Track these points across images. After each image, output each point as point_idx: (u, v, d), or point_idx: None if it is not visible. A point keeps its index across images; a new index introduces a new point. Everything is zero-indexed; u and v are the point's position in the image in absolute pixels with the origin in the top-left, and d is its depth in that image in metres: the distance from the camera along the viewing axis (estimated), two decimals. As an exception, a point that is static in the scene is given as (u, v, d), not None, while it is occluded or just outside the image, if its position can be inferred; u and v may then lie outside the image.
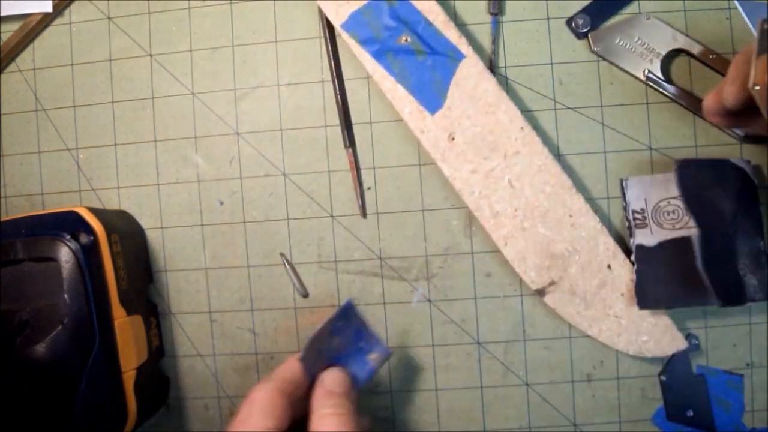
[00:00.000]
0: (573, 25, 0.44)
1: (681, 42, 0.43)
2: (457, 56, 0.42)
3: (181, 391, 0.47)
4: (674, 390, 0.44)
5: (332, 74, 0.45)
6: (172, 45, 0.47)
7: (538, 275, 0.42)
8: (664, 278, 0.41)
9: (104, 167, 0.47)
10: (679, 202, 0.40)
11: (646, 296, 0.41)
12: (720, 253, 0.40)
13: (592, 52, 0.44)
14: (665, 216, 0.40)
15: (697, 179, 0.40)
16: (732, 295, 0.40)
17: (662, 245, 0.41)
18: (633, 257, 0.41)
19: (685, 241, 0.41)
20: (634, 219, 0.41)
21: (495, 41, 0.44)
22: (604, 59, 0.44)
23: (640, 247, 0.41)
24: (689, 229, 0.40)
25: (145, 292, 0.46)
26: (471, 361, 0.45)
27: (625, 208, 0.42)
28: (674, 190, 0.41)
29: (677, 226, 0.40)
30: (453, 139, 0.42)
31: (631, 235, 0.42)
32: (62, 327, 0.39)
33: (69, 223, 0.41)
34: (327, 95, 0.46)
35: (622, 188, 0.42)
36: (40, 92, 0.48)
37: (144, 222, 0.47)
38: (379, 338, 0.42)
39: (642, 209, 0.41)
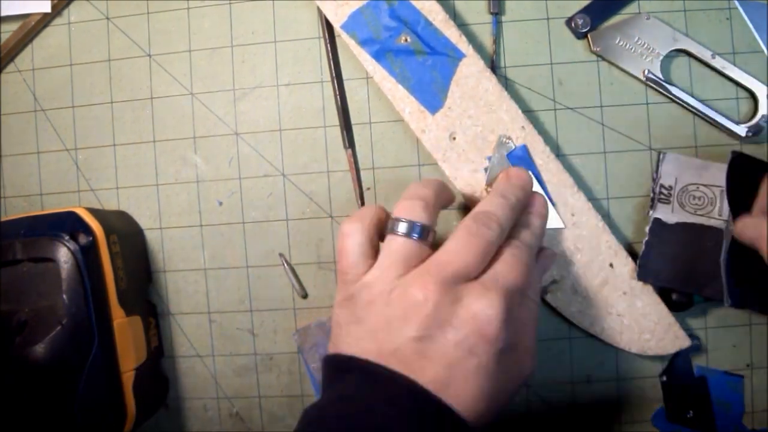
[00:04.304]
0: (573, 25, 0.44)
1: (681, 42, 0.43)
2: (458, 55, 0.42)
3: (180, 392, 0.47)
4: (674, 391, 0.44)
5: (332, 74, 0.45)
6: (172, 45, 0.47)
7: (538, 275, 0.42)
8: (671, 257, 0.41)
9: (103, 167, 0.47)
10: (708, 191, 0.41)
11: (647, 268, 0.41)
12: (744, 253, 0.40)
13: (592, 52, 0.44)
14: (691, 200, 0.41)
15: (744, 177, 0.40)
16: (748, 298, 0.40)
17: (679, 225, 0.41)
18: (647, 228, 0.41)
19: (702, 229, 0.41)
20: (660, 193, 0.41)
21: (496, 41, 0.44)
22: (604, 59, 0.44)
23: (657, 220, 0.41)
24: (709, 218, 0.41)
25: (144, 292, 0.46)
26: (471, 361, 0.45)
27: (654, 180, 0.42)
28: (708, 178, 0.41)
29: (699, 212, 0.40)
30: (454, 138, 0.42)
31: (652, 207, 0.42)
32: (61, 327, 0.39)
33: (68, 224, 0.41)
34: (326, 95, 0.46)
35: (658, 160, 0.42)
36: (39, 92, 0.48)
37: (143, 222, 0.47)
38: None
39: (670, 186, 0.41)
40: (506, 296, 0.32)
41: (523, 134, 0.42)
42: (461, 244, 0.33)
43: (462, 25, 0.44)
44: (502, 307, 0.31)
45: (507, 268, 0.33)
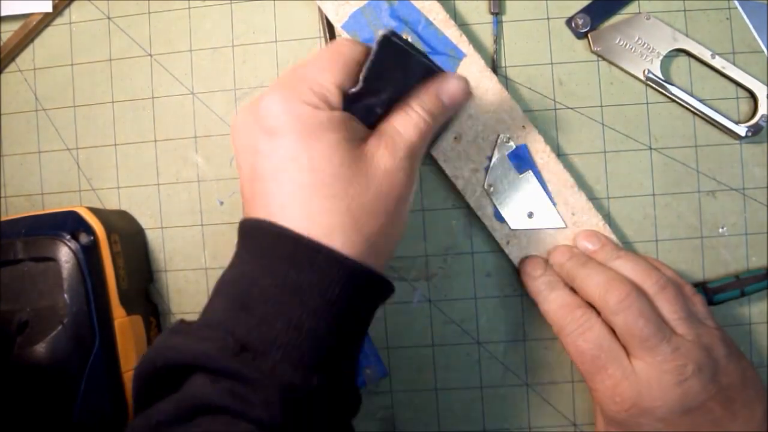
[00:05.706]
0: (573, 25, 0.44)
1: (681, 42, 0.43)
2: (458, 55, 0.42)
3: (181, 392, 0.47)
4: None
5: (332, 74, 0.45)
6: (172, 45, 0.47)
7: (538, 275, 0.42)
8: None
9: (104, 167, 0.47)
10: None
11: None
12: None
13: (592, 52, 0.44)
14: None
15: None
16: None
17: None
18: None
19: None
20: None
21: (497, 41, 0.44)
22: (604, 59, 0.44)
23: None
24: None
25: (145, 292, 0.46)
26: (471, 361, 0.45)
27: None
28: None
29: None
30: (455, 138, 0.42)
31: None
32: (62, 327, 0.39)
33: (69, 223, 0.41)
34: (327, 95, 0.46)
35: None
36: (40, 92, 0.48)
37: (144, 222, 0.47)
38: (380, 357, 0.43)
39: None
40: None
41: (523, 133, 0.42)
42: None
43: (462, 25, 0.44)
44: None
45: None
